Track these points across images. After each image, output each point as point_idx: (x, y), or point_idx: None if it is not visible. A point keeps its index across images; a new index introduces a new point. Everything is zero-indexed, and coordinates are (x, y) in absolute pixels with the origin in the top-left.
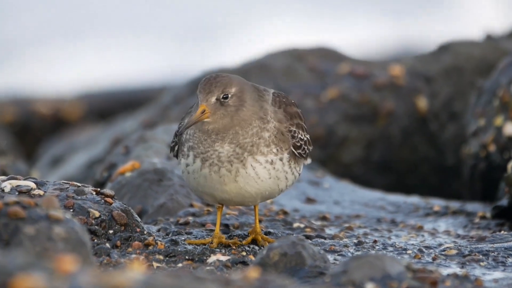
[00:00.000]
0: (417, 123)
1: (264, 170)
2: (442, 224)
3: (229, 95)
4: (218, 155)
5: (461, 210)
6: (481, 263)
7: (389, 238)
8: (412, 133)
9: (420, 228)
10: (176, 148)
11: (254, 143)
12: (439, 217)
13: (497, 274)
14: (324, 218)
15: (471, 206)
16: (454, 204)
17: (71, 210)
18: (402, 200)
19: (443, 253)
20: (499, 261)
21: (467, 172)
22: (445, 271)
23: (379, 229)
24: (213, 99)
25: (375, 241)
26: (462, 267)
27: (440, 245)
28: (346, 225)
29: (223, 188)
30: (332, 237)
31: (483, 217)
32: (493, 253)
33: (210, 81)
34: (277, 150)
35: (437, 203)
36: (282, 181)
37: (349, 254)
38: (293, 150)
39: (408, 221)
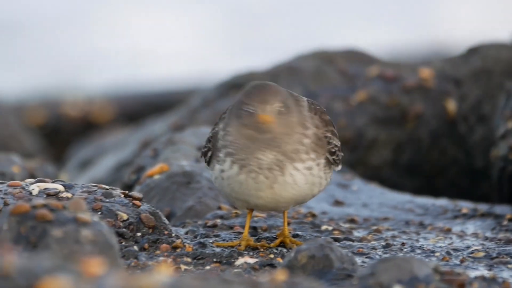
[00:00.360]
0: (445, 126)
1: (302, 176)
2: (470, 227)
3: (280, 103)
4: (259, 163)
5: (489, 212)
6: (509, 266)
7: (417, 240)
8: (440, 135)
9: (448, 231)
10: (209, 154)
11: (295, 150)
12: (467, 219)
13: None
14: (352, 221)
15: (499, 209)
16: (483, 207)
17: (99, 212)
18: (430, 203)
19: (471, 255)
20: None
21: (496, 174)
22: (472, 274)
23: (407, 231)
24: (269, 108)
25: (403, 244)
26: (490, 270)
27: (468, 247)
28: (374, 227)
29: (258, 194)
30: (360, 240)
31: (511, 220)
32: None
33: (261, 90)
34: (315, 156)
35: (466, 206)
36: (316, 187)
37: (377, 256)
38: (328, 156)
39: (436, 224)
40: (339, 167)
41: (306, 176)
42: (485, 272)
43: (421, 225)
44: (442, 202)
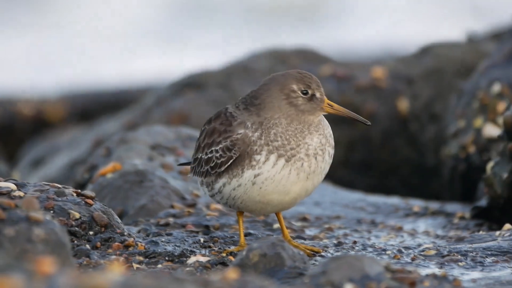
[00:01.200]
0: (398, 125)
1: (325, 164)
2: (422, 225)
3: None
4: (307, 148)
5: (441, 210)
6: (460, 263)
7: (369, 238)
8: (392, 134)
9: (400, 229)
10: (224, 166)
11: (328, 135)
12: (419, 217)
13: (475, 274)
14: (304, 219)
15: (450, 207)
16: (434, 205)
17: (51, 211)
18: (382, 201)
19: (422, 253)
20: (477, 261)
21: (447, 173)
22: (423, 271)
23: (359, 230)
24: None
25: (354, 242)
26: (441, 267)
27: (419, 245)
28: (326, 226)
29: (292, 188)
30: (312, 238)
31: (462, 218)
32: (471, 253)
33: (312, 75)
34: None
35: (417, 204)
36: (322, 177)
37: (328, 255)
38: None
39: (387, 222)
40: None
41: (327, 164)
42: (436, 270)
43: (373, 223)
44: (394, 200)
